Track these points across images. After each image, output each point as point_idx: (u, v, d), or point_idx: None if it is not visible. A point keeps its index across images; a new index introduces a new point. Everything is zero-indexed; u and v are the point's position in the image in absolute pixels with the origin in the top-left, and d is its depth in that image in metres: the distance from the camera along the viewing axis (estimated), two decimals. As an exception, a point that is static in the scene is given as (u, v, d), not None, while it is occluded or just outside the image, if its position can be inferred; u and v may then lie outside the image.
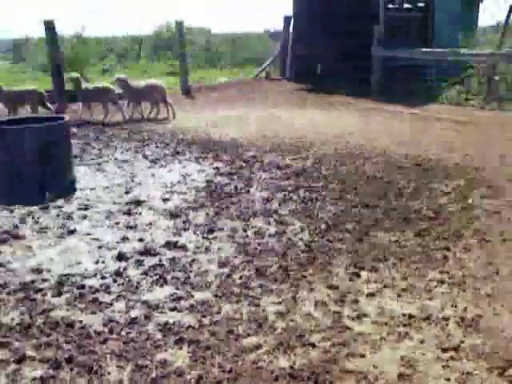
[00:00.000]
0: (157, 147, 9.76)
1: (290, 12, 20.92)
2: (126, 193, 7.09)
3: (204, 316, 4.09)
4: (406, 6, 21.47)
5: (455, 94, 15.36)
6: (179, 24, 17.51)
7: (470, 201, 6.67)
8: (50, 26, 13.71)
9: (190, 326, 3.95)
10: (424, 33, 18.64)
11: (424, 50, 16.40)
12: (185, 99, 16.09)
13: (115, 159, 8.93)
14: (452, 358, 3.56)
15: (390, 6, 18.00)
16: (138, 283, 4.61)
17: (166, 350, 3.67)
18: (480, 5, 21.00)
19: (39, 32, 27.17)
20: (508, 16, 15.23)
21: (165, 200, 6.78)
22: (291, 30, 20.96)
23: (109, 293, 4.46)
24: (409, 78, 17.02)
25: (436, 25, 18.13)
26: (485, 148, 9.49)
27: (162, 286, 4.57)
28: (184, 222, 6.00)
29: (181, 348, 3.70)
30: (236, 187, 7.24)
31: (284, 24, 20.96)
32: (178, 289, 4.51)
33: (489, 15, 47.83)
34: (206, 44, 29.98)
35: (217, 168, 8.25)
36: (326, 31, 20.03)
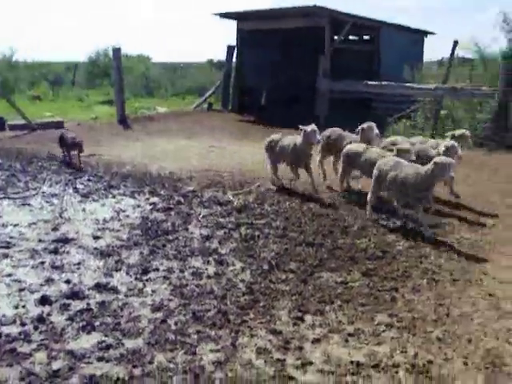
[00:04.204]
0: (89, 180, 9.31)
1: (233, 41, 20.74)
2: (54, 229, 6.62)
3: (135, 366, 3.75)
4: (352, 37, 21.91)
5: (402, 128, 15.60)
6: (116, 50, 17.01)
7: (418, 238, 6.58)
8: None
9: (118, 379, 3.60)
10: (371, 66, 19.04)
11: (370, 82, 16.68)
12: (121, 130, 15.68)
13: (43, 193, 8.40)
14: (403, 410, 3.35)
15: (336, 37, 18.22)
16: (63, 330, 4.21)
17: (90, 408, 3.32)
18: (425, 40, 21.74)
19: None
20: (452, 51, 15.69)
21: (96, 238, 6.37)
22: (234, 60, 20.82)
23: (29, 342, 4.04)
24: (355, 110, 17.24)
25: (382, 58, 18.53)
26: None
27: (89, 333, 4.20)
28: (116, 261, 5.62)
29: (107, 405, 3.35)
30: (173, 224, 6.91)
31: (227, 54, 20.78)
32: (106, 336, 4.14)
33: (433, 50, 49.43)
34: (146, 72, 29.45)
35: (153, 203, 7.89)
36: (271, 62, 20.13)
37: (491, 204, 8.06)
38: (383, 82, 16.42)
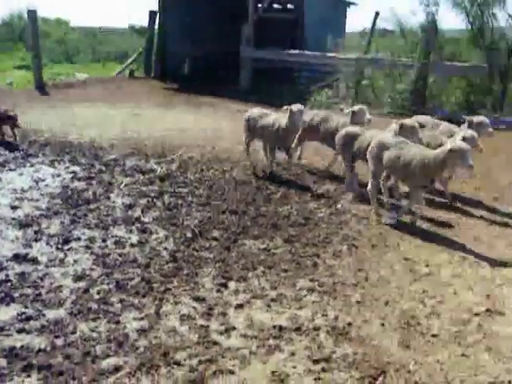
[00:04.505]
0: (5, 149, 8.90)
1: (155, 6, 20.09)
2: (-33, 200, 6.35)
3: (57, 337, 3.72)
4: (275, 6, 21.81)
5: (324, 98, 15.83)
6: (32, 12, 16.13)
7: (339, 206, 6.76)
8: None
9: (40, 350, 3.57)
10: (294, 35, 19.07)
11: (292, 51, 16.74)
12: (39, 96, 15.05)
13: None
14: (323, 369, 3.50)
15: (259, 5, 18.09)
16: (-20, 302, 4.10)
17: (11, 379, 3.27)
18: (347, 10, 21.99)
19: None
20: (374, 23, 15.99)
21: (14, 208, 6.17)
22: (157, 26, 20.26)
23: None
24: (279, 80, 17.30)
25: (306, 28, 18.60)
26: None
27: (8, 304, 4.11)
28: (36, 231, 5.48)
29: (29, 375, 3.33)
30: (95, 193, 6.79)
31: (149, 20, 20.16)
32: (26, 307, 4.07)
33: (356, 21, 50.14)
34: (64, 37, 28.15)
35: (74, 172, 7.69)
36: (195, 30, 19.78)
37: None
38: (306, 52, 16.55)
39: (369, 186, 6.48)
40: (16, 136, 9.40)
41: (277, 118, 7.90)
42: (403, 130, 6.58)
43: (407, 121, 6.94)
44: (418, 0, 16.05)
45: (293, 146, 8.13)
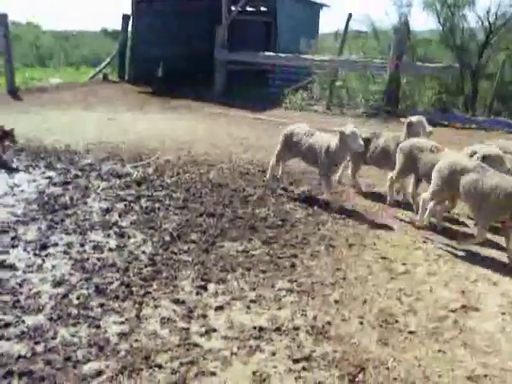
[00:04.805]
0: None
1: (128, 10, 20.07)
2: None
3: (37, 343, 3.70)
4: (249, 9, 21.89)
5: (299, 100, 15.95)
6: (3, 16, 15.88)
7: (315, 207, 6.82)
8: None
9: (20, 356, 3.55)
10: (268, 38, 19.16)
11: (267, 53, 16.82)
12: (12, 101, 14.88)
13: None
14: (304, 368, 3.55)
15: (233, 8, 18.18)
16: (-43, 310, 4.06)
17: (-9, 387, 3.25)
18: (320, 12, 22.17)
19: None
20: (347, 24, 16.14)
21: (-11, 214, 6.10)
22: (130, 29, 20.24)
23: None
24: (253, 82, 17.37)
25: (279, 30, 18.70)
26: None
27: (-14, 311, 4.07)
28: (12, 238, 5.43)
29: (10, 382, 3.31)
30: (71, 198, 6.74)
31: (122, 23, 20.10)
32: (5, 314, 4.04)
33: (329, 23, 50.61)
34: (36, 41, 27.88)
35: (49, 177, 7.63)
36: (168, 32, 19.76)
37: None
38: (280, 54, 16.65)
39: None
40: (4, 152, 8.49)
41: (324, 137, 6.90)
42: (488, 160, 5.72)
43: (490, 150, 6.00)
44: (392, 0, 16.28)
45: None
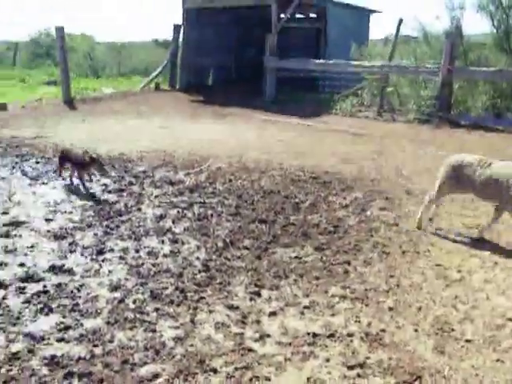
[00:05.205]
0: (37, 163, 9.08)
1: (179, 20, 20.51)
2: (3, 213, 6.47)
3: (95, 346, 3.78)
4: (298, 16, 21.95)
5: (349, 106, 15.88)
6: (59, 30, 16.49)
7: (368, 213, 6.78)
8: None
9: (80, 358, 3.63)
10: (318, 44, 19.15)
11: (317, 61, 16.81)
12: (68, 111, 15.33)
13: (-12, 177, 8.10)
14: (359, 375, 3.52)
15: (282, 16, 18.23)
16: (20, 313, 4.19)
17: (53, 387, 3.34)
18: (370, 18, 22.02)
19: None
20: (397, 29, 15.99)
21: (48, 220, 6.29)
22: (181, 39, 20.61)
23: (-15, 326, 4.01)
24: (303, 89, 17.38)
25: (329, 37, 18.67)
26: (380, 160, 9.81)
27: (47, 314, 4.19)
28: (70, 243, 5.58)
29: (70, 383, 3.38)
30: (126, 205, 6.90)
31: (173, 33, 20.54)
32: (65, 317, 4.15)
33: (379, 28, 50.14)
34: (90, 52, 28.72)
35: (105, 185, 7.83)
36: (218, 41, 20.01)
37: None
38: (330, 61, 16.60)
39: None
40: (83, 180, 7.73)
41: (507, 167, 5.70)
42: None
43: None
44: (444, 3, 16.00)
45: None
